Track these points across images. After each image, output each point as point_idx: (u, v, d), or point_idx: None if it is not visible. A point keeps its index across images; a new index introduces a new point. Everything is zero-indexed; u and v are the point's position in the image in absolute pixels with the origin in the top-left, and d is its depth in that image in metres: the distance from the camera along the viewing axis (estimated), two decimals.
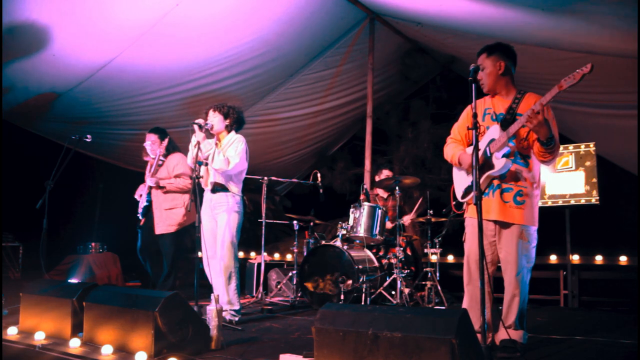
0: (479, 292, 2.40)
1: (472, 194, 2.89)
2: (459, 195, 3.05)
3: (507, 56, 2.92)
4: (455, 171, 3.12)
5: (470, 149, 2.98)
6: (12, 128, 5.99)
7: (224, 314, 3.56)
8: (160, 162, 4.76)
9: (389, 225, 5.19)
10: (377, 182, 5.45)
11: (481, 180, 2.83)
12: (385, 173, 5.63)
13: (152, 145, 4.76)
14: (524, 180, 2.82)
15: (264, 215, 5.24)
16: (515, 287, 2.79)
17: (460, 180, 3.06)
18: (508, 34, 4.87)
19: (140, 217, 4.80)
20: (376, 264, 4.83)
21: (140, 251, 4.85)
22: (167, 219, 4.63)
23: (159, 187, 4.67)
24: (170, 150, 4.81)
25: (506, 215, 2.81)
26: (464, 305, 2.97)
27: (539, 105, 2.57)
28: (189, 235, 4.89)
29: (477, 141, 2.53)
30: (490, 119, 2.93)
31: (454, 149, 3.07)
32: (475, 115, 2.52)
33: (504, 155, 2.76)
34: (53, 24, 4.57)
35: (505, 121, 2.80)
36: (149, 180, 4.66)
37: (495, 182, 2.84)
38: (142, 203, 4.76)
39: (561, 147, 5.08)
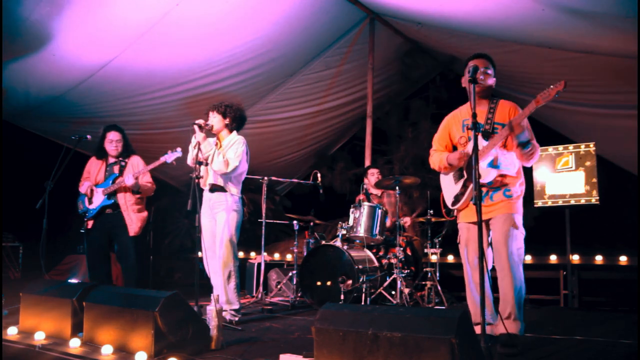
0: (478, 291, 2.41)
1: (461, 202, 2.99)
2: (448, 202, 3.14)
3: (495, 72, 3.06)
4: (442, 178, 3.19)
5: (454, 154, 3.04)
6: (12, 128, 5.99)
7: (224, 313, 3.56)
8: (123, 163, 4.36)
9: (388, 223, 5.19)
10: (376, 182, 5.43)
11: (468, 191, 2.95)
12: (374, 173, 5.55)
13: (117, 144, 4.32)
14: (509, 178, 2.92)
15: (264, 215, 5.24)
16: (507, 271, 2.82)
17: (449, 188, 3.14)
18: (508, 34, 4.87)
19: (86, 219, 4.28)
20: (376, 264, 4.83)
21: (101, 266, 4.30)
22: (137, 221, 4.30)
23: (133, 190, 4.26)
24: (130, 150, 4.43)
25: (496, 209, 2.90)
26: (468, 303, 3.01)
27: (517, 125, 2.73)
28: (188, 235, 4.79)
29: (476, 141, 2.55)
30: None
31: (440, 155, 3.14)
32: (475, 115, 2.55)
33: (488, 165, 2.87)
34: (53, 24, 4.57)
35: (486, 132, 2.91)
36: (128, 179, 4.14)
37: (484, 189, 2.92)
38: (97, 203, 4.26)
39: (561, 147, 5.10)
